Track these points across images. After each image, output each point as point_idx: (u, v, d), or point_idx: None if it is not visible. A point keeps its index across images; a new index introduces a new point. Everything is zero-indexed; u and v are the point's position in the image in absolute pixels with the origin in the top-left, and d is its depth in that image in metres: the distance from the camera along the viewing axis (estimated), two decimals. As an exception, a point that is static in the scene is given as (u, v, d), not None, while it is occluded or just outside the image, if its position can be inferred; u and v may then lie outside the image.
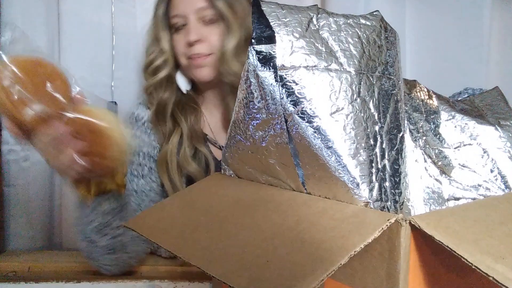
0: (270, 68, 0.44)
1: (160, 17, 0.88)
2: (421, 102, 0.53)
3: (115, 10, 1.00)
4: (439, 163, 0.49)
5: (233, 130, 0.51)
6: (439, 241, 0.34)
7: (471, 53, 1.02)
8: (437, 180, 0.48)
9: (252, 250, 0.37)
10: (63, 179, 1.00)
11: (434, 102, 0.53)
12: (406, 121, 0.47)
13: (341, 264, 0.32)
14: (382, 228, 0.35)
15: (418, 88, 0.55)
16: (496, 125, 0.53)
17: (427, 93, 0.54)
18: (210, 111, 0.96)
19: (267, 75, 0.44)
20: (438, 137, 0.51)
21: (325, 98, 0.42)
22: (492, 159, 0.51)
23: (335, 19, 0.46)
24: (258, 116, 0.46)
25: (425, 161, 0.49)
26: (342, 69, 0.44)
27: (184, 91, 0.91)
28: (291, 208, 0.43)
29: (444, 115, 0.52)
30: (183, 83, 0.91)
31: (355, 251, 0.33)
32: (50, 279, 0.79)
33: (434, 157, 0.49)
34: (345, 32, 0.46)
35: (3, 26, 0.93)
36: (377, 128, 0.44)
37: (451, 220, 0.37)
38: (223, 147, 0.91)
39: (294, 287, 0.31)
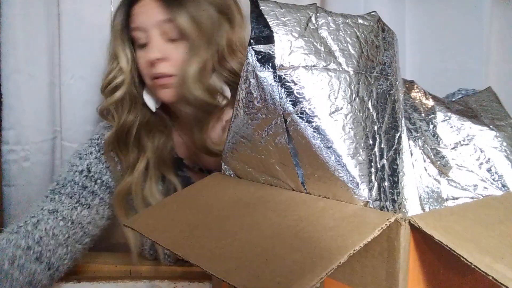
0: (269, 68, 0.44)
1: (117, 30, 0.77)
2: (419, 102, 0.53)
3: (114, 10, 1.00)
4: (437, 163, 0.49)
5: (233, 130, 0.51)
6: (439, 240, 0.34)
7: (471, 53, 1.02)
8: (436, 180, 0.48)
9: (252, 249, 0.37)
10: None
11: (431, 102, 0.54)
12: (403, 121, 0.48)
13: (340, 262, 0.32)
14: (382, 228, 0.35)
15: (416, 88, 0.55)
16: (491, 125, 0.53)
17: (424, 94, 0.55)
18: (186, 131, 0.84)
19: (266, 75, 0.44)
20: (436, 137, 0.51)
21: (324, 98, 0.42)
22: (489, 159, 0.51)
23: (333, 18, 0.46)
24: (257, 116, 0.46)
25: (424, 160, 0.49)
26: (341, 69, 0.44)
27: (153, 110, 0.80)
28: (291, 208, 0.43)
29: (440, 116, 0.53)
30: (151, 102, 0.80)
31: (354, 250, 0.33)
32: (50, 279, 0.79)
33: (432, 157, 0.49)
34: (343, 32, 0.46)
35: (3, 26, 0.93)
36: (375, 127, 0.44)
37: (451, 220, 0.37)
38: (203, 169, 0.84)
39: (293, 286, 0.31)
